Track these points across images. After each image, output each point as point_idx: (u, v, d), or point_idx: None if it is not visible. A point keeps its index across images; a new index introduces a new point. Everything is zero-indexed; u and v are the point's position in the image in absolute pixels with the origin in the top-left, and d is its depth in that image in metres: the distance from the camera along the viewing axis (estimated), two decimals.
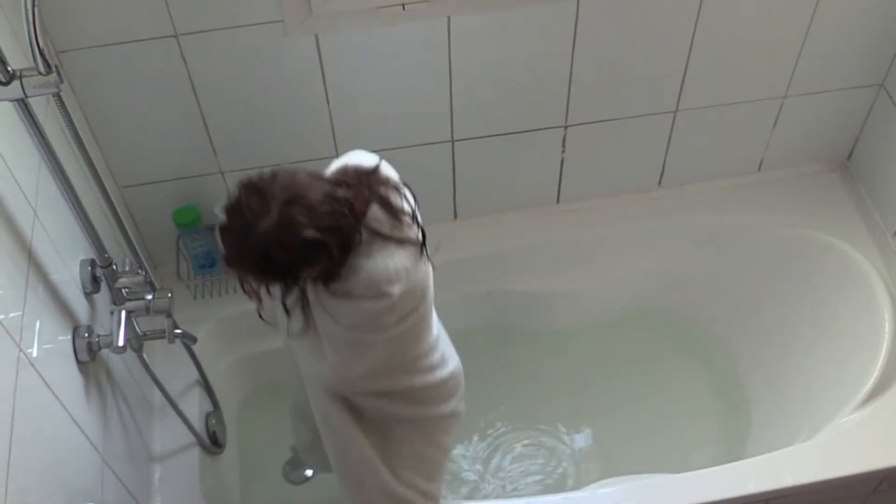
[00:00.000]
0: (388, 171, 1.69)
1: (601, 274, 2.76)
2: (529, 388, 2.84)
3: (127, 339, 1.87)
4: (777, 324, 2.68)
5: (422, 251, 1.66)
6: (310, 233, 1.48)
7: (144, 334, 2.04)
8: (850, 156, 2.74)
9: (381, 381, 1.79)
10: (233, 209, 1.50)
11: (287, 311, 1.72)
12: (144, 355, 2.08)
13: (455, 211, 2.65)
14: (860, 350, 2.39)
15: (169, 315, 1.98)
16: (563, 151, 2.53)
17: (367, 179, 1.61)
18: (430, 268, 1.72)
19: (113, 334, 1.87)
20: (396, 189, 1.66)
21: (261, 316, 1.88)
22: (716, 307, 2.83)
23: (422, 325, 1.76)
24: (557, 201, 2.69)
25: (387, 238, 1.59)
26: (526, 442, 2.76)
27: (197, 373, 2.34)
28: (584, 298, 2.80)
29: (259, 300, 1.73)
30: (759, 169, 2.74)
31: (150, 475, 2.22)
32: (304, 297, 1.68)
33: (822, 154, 2.74)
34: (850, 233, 2.59)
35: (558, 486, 2.64)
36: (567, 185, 2.64)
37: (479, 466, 2.71)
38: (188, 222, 2.39)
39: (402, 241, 1.61)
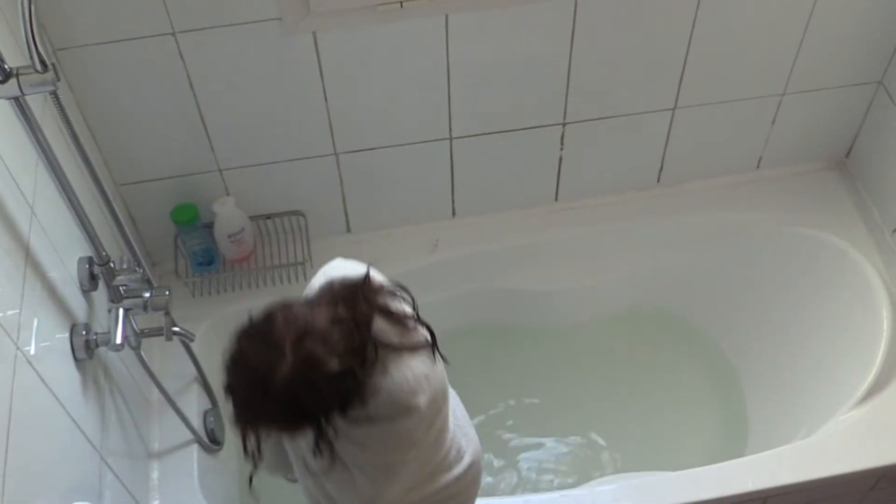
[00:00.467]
0: (377, 277, 1.57)
1: (599, 272, 2.76)
2: (527, 386, 2.84)
3: (125, 337, 1.87)
4: (775, 321, 2.68)
5: (434, 351, 1.57)
6: (333, 363, 1.35)
7: (142, 332, 2.04)
8: (848, 153, 2.74)
9: (415, 492, 1.68)
10: (238, 364, 1.39)
11: (318, 451, 1.50)
12: (142, 353, 2.07)
13: (454, 209, 2.65)
14: (858, 348, 2.39)
15: (167, 312, 1.98)
16: (561, 149, 2.53)
17: (360, 292, 1.48)
18: (443, 365, 1.62)
19: (110, 332, 1.87)
20: (392, 294, 1.55)
21: (251, 480, 1.75)
22: (714, 305, 2.83)
23: (445, 426, 1.67)
24: (556, 199, 2.69)
25: (398, 348, 1.48)
26: (524, 441, 2.76)
27: (195, 370, 2.34)
28: (582, 296, 2.80)
29: (261, 458, 1.56)
30: (758, 167, 2.73)
31: (148, 473, 2.21)
32: (327, 434, 1.49)
33: (821, 152, 2.74)
34: (849, 230, 2.59)
35: (557, 484, 2.64)
36: (565, 183, 2.64)
37: None
38: (186, 220, 2.39)
39: (414, 348, 1.51)
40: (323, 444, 1.47)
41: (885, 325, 2.35)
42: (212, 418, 2.40)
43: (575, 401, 2.82)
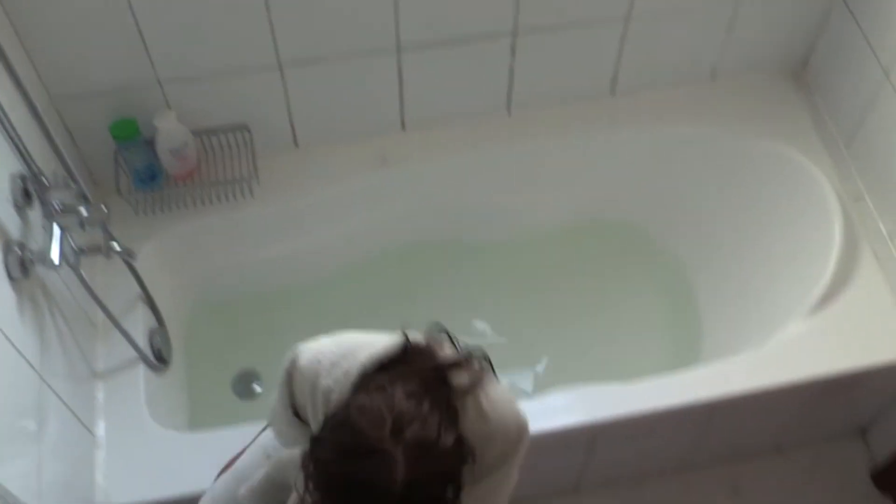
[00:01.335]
0: (415, 337, 1.45)
1: (552, 184, 2.73)
2: (480, 300, 2.82)
3: (62, 255, 1.82)
4: (729, 233, 2.67)
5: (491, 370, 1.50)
6: (443, 437, 1.24)
7: (81, 250, 1.98)
8: (805, 64, 2.70)
9: None
10: (347, 493, 1.21)
11: None
12: (83, 272, 2.01)
13: (403, 121, 2.59)
14: (810, 259, 2.39)
15: (104, 229, 1.92)
16: (512, 59, 2.47)
17: (409, 356, 1.39)
18: None
19: (46, 250, 1.81)
20: (436, 343, 1.44)
21: None
22: (667, 216, 2.81)
23: None
24: (508, 111, 2.64)
25: (476, 386, 1.40)
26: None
27: (140, 289, 2.29)
28: (535, 209, 2.77)
29: None
30: (713, 77, 2.69)
31: (93, 394, 2.17)
32: None
33: (777, 62, 2.70)
34: (804, 142, 2.57)
35: None
36: (518, 95, 2.59)
37: None
38: (126, 135, 2.32)
39: (483, 378, 1.42)
40: None
41: (837, 236, 2.34)
42: (158, 338, 2.36)
43: (529, 313, 2.81)
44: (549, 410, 2.17)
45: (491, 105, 2.61)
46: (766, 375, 2.20)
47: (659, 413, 2.16)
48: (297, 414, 1.60)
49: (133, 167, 2.40)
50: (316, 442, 1.26)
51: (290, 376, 1.56)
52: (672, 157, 2.69)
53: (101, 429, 2.15)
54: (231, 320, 2.73)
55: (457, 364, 1.38)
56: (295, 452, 1.57)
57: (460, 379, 1.37)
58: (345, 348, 1.47)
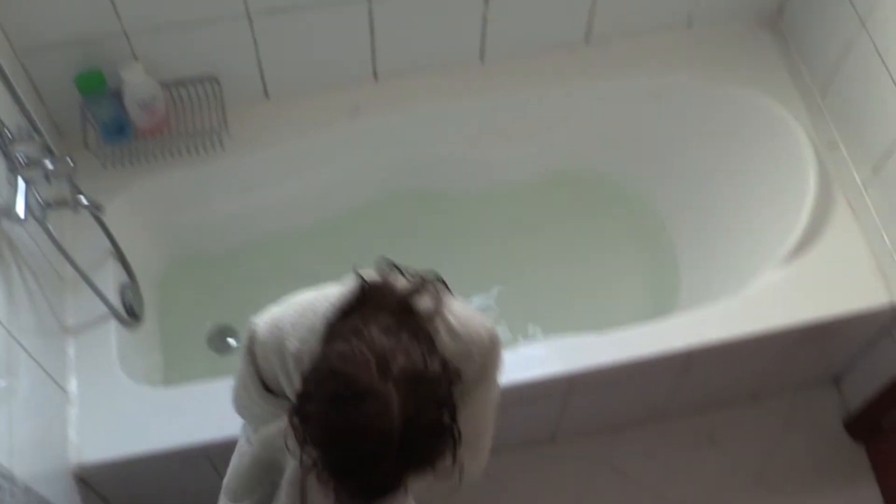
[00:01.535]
0: (369, 275, 1.42)
1: (527, 134, 2.70)
2: (456, 252, 2.80)
3: (27, 209, 1.78)
4: (704, 182, 2.66)
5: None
6: (433, 364, 1.24)
7: (48, 204, 1.94)
8: (781, 12, 2.68)
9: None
10: (343, 436, 1.19)
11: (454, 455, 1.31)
12: (50, 227, 1.98)
13: (375, 71, 2.55)
14: (785, 207, 2.38)
15: (71, 182, 1.88)
16: (485, 8, 2.43)
17: (373, 294, 1.36)
18: None
19: (11, 203, 1.77)
20: (389, 277, 1.41)
21: None
22: (643, 166, 2.80)
23: None
24: (482, 60, 2.60)
25: (438, 305, 1.39)
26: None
27: (109, 244, 2.25)
28: (509, 160, 2.75)
29: None
30: (689, 25, 2.66)
31: (64, 349, 2.15)
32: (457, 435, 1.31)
33: (753, 10, 2.67)
34: (779, 90, 2.55)
35: None
36: (491, 44, 2.55)
37: None
38: (92, 88, 2.27)
39: (440, 297, 1.41)
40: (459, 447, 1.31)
41: (812, 184, 2.34)
42: (129, 293, 2.33)
43: (505, 265, 2.79)
44: (525, 361, 2.17)
45: (464, 54, 2.58)
46: (741, 324, 2.20)
47: (635, 362, 2.16)
48: (267, 388, 1.55)
49: (100, 120, 2.35)
50: (303, 399, 1.24)
51: (252, 352, 1.51)
52: (647, 107, 2.67)
53: (73, 385, 2.13)
54: (205, 275, 2.71)
55: (416, 290, 1.38)
56: (277, 425, 1.54)
57: (424, 304, 1.36)
58: (300, 307, 1.45)
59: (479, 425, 1.54)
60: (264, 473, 1.64)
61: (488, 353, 1.46)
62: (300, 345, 1.39)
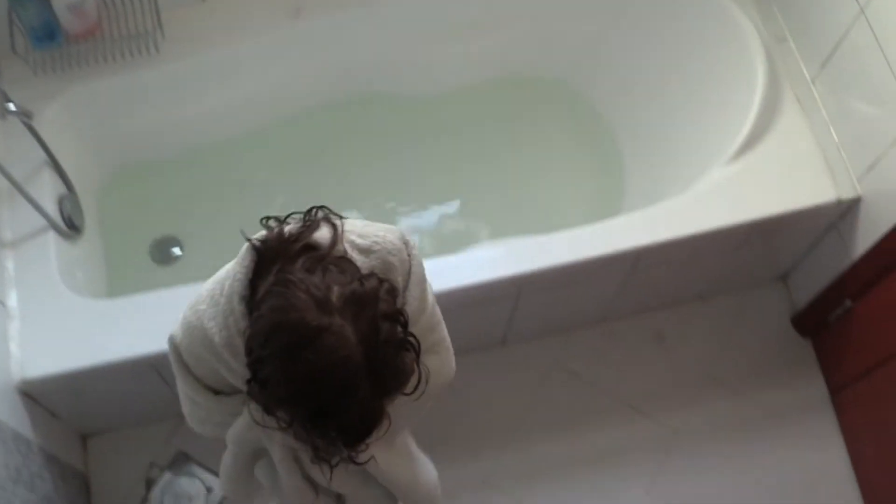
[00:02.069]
0: (257, 237, 1.35)
1: (474, 35, 2.65)
2: (401, 156, 2.76)
3: None
4: (650, 80, 2.63)
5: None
6: (368, 282, 1.21)
7: None
8: None
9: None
10: (311, 380, 1.16)
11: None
12: None
13: None
14: (733, 104, 2.36)
15: None
16: None
17: (270, 251, 1.29)
18: None
19: None
20: (277, 230, 1.34)
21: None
22: (588, 67, 2.75)
23: None
24: None
25: (336, 231, 1.33)
26: (400, 209, 2.72)
27: (44, 154, 2.18)
28: (456, 61, 2.70)
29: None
30: None
31: (2, 263, 2.10)
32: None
33: None
34: None
35: (433, 252, 2.61)
36: None
37: None
38: None
39: (334, 223, 1.35)
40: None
41: (760, 80, 2.31)
42: (67, 204, 2.26)
43: (451, 168, 2.76)
44: (474, 264, 2.15)
45: None
46: (689, 223, 2.20)
47: (584, 263, 2.15)
48: (216, 392, 1.50)
49: (29, 25, 2.26)
50: (256, 366, 1.20)
51: (183, 364, 1.46)
52: (592, 6, 2.61)
53: (12, 299, 2.09)
54: (146, 185, 2.65)
55: (309, 227, 1.33)
56: (242, 417, 1.51)
57: (323, 235, 1.32)
58: (208, 299, 1.39)
59: (429, 324, 1.53)
60: (252, 461, 1.63)
61: (404, 255, 1.44)
62: (226, 332, 1.34)
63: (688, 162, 2.43)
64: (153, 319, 2.04)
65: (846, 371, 2.52)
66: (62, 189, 2.28)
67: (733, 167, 2.26)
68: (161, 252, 2.60)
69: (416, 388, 1.27)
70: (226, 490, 1.78)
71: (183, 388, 1.51)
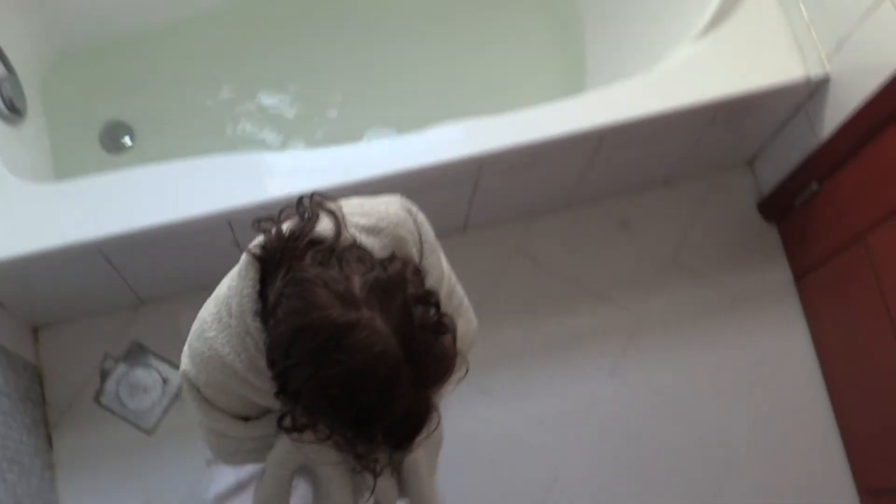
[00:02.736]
0: (257, 242, 1.25)
1: None
2: (359, 44, 2.67)
3: None
4: None
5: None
6: (391, 266, 1.14)
7: None
8: None
9: None
10: (351, 384, 1.07)
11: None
12: None
13: None
14: None
15: None
16: None
17: (274, 253, 1.19)
18: None
19: None
20: (274, 232, 1.23)
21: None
22: None
23: None
24: None
25: (337, 217, 1.23)
26: (352, 94, 2.65)
27: None
28: None
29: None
30: None
31: None
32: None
33: None
34: None
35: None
36: None
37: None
38: None
39: (333, 209, 1.25)
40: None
41: None
42: (7, 85, 2.17)
43: (412, 54, 2.68)
44: (433, 144, 2.09)
45: None
46: (654, 101, 2.13)
47: (545, 142, 2.09)
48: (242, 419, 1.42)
49: None
50: (283, 378, 1.11)
51: (204, 399, 1.35)
52: None
53: None
54: (94, 68, 2.55)
55: (309, 219, 1.22)
56: (282, 441, 1.44)
57: (325, 226, 1.22)
58: (216, 323, 1.28)
59: (449, 289, 1.45)
60: (287, 483, 1.55)
61: (409, 223, 1.34)
62: (245, 354, 1.25)
63: (653, 39, 2.35)
64: (101, 204, 1.99)
65: (811, 256, 2.50)
66: (1, 70, 2.17)
67: (700, 44, 2.19)
68: (110, 140, 2.51)
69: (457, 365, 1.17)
70: None
71: (207, 424, 1.40)
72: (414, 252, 1.34)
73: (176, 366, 2.33)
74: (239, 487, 2.25)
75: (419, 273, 1.16)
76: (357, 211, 1.29)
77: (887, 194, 2.11)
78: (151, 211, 1.99)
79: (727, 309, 2.56)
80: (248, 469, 2.26)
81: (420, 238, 1.36)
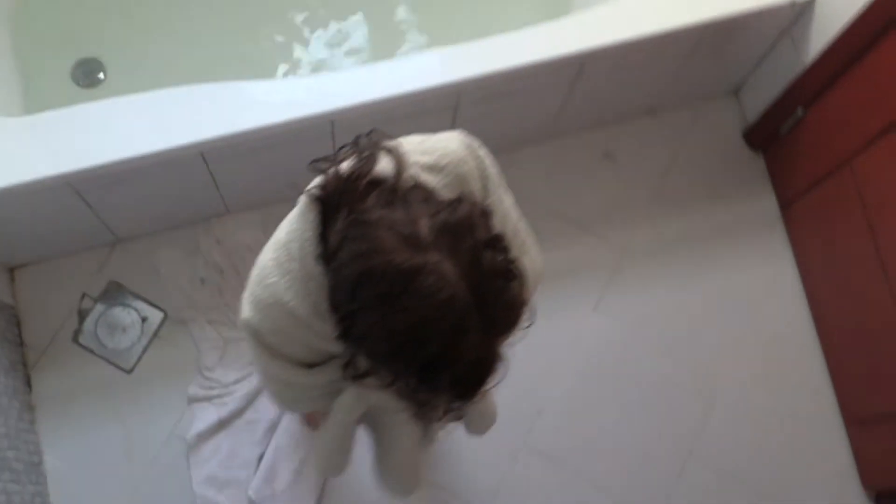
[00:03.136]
0: (315, 184, 1.20)
1: None
2: None
3: None
4: None
5: None
6: (459, 208, 1.08)
7: None
8: None
9: None
10: (419, 330, 1.03)
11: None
12: None
13: None
14: None
15: None
16: None
17: (334, 196, 1.14)
18: None
19: None
20: (336, 170, 1.17)
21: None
22: None
23: None
24: None
25: (398, 155, 1.19)
26: (322, 23, 2.59)
27: None
28: None
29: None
30: None
31: None
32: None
33: None
34: None
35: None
36: None
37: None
38: None
39: (392, 147, 1.20)
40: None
41: None
42: None
43: None
44: (412, 72, 2.04)
45: None
46: (638, 24, 2.09)
47: (526, 68, 2.04)
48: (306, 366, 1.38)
49: None
50: (348, 321, 1.08)
51: (268, 346, 1.31)
52: None
53: None
54: (63, 3, 2.47)
55: (368, 159, 1.16)
56: (349, 388, 1.41)
57: (385, 165, 1.17)
58: (277, 268, 1.24)
59: (514, 227, 1.40)
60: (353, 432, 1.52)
61: (471, 158, 1.29)
62: (309, 300, 1.21)
63: None
64: (72, 137, 1.94)
65: (796, 184, 2.47)
66: None
67: None
68: (83, 75, 2.45)
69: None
70: (324, 465, 1.66)
71: (270, 372, 1.37)
72: (477, 189, 1.29)
73: (154, 304, 2.32)
74: (220, 425, 2.25)
75: (487, 216, 1.11)
76: (417, 149, 1.24)
77: (873, 117, 2.08)
78: (122, 144, 1.94)
79: (713, 239, 2.53)
80: (229, 407, 2.25)
81: (485, 172, 1.32)
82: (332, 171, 1.16)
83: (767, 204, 2.58)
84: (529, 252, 1.44)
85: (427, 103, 2.09)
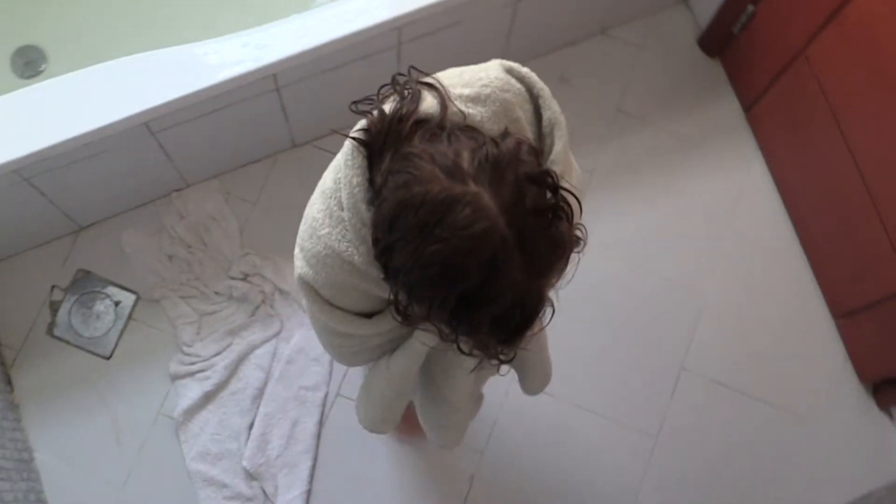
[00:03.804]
0: (361, 126, 1.15)
1: None
2: None
3: None
4: None
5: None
6: (506, 142, 1.04)
7: None
8: None
9: None
10: (456, 263, 0.99)
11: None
12: None
13: None
14: None
15: None
16: None
17: (380, 134, 1.10)
18: None
19: None
20: (378, 111, 1.12)
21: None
22: None
23: None
24: None
25: (440, 91, 1.13)
26: None
27: None
28: None
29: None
30: None
31: None
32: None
33: None
34: None
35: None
36: None
37: None
38: None
39: (434, 83, 1.15)
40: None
41: None
42: None
43: None
44: (348, 13, 1.99)
45: None
46: None
47: None
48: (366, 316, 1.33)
49: None
50: (386, 255, 1.05)
51: (324, 300, 1.27)
52: None
53: None
54: None
55: (413, 97, 1.11)
56: (404, 353, 1.40)
57: (429, 102, 1.12)
58: (327, 222, 1.20)
59: (566, 155, 1.31)
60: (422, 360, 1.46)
61: (513, 83, 1.23)
62: (365, 246, 1.16)
63: None
64: (13, 124, 1.91)
65: (756, 83, 2.43)
66: None
67: None
68: (26, 65, 2.40)
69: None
70: (376, 420, 1.62)
71: (327, 326, 1.32)
72: (527, 112, 1.24)
73: (125, 287, 2.29)
74: (205, 399, 2.22)
75: (535, 152, 1.07)
76: (457, 82, 1.19)
77: (819, 3, 2.04)
78: (64, 125, 1.91)
79: (680, 151, 2.50)
80: (212, 380, 2.23)
81: (533, 92, 1.25)
82: (375, 112, 1.11)
83: (731, 108, 2.54)
84: (575, 169, 1.39)
85: (371, 45, 2.04)
